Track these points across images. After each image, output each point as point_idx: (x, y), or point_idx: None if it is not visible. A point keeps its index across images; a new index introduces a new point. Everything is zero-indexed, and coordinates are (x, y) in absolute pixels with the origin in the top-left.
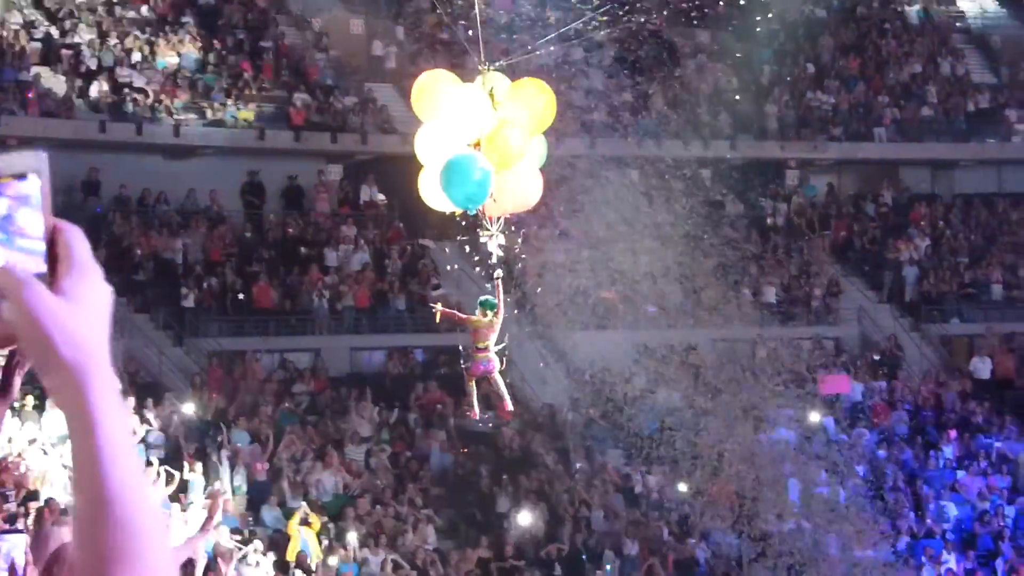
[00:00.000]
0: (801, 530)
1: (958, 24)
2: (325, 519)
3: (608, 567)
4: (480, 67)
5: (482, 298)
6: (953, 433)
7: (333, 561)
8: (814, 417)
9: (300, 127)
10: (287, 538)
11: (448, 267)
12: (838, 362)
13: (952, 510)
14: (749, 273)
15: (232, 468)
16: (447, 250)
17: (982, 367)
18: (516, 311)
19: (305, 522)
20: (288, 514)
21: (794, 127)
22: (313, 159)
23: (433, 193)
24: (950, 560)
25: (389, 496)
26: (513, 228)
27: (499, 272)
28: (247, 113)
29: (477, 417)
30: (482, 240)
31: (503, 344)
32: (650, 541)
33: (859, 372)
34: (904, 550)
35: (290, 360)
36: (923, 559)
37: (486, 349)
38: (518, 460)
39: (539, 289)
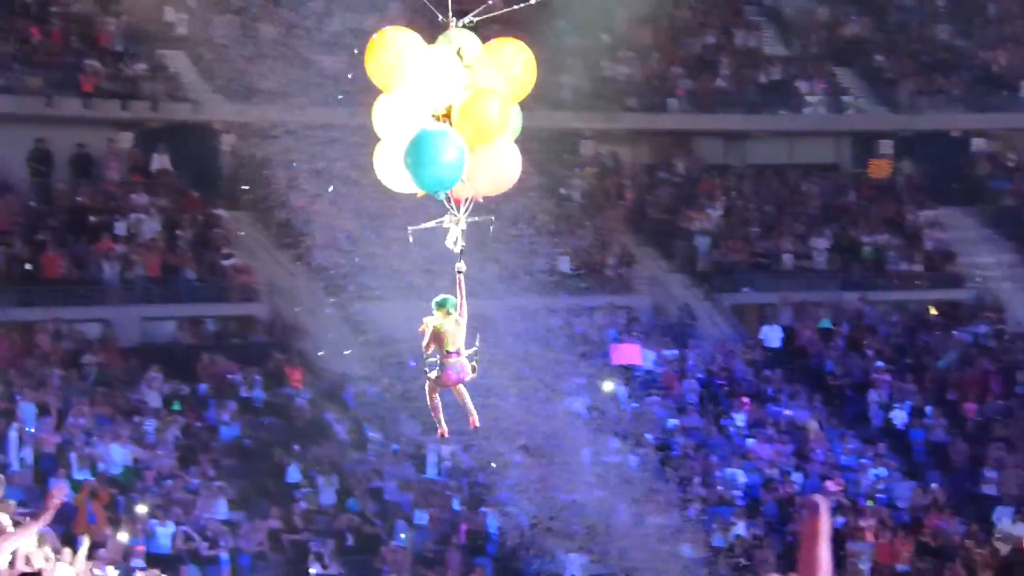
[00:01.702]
0: (593, 498)
1: None
2: (114, 491)
3: (402, 536)
4: (449, 23)
5: (438, 298)
6: (744, 401)
7: (122, 534)
8: (606, 386)
9: (90, 94)
10: (75, 511)
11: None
12: (630, 331)
13: (741, 477)
14: (543, 243)
15: (20, 440)
16: (241, 219)
17: (773, 336)
18: (309, 280)
19: (94, 494)
20: (76, 487)
21: (589, 97)
22: (103, 127)
23: (392, 172)
24: (739, 526)
25: (179, 467)
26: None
27: (461, 265)
28: (35, 79)
29: (447, 435)
30: (446, 226)
31: (475, 348)
32: (442, 511)
33: (651, 341)
34: (694, 516)
35: (79, 331)
36: (713, 525)
37: (457, 352)
38: (310, 431)
39: (332, 258)
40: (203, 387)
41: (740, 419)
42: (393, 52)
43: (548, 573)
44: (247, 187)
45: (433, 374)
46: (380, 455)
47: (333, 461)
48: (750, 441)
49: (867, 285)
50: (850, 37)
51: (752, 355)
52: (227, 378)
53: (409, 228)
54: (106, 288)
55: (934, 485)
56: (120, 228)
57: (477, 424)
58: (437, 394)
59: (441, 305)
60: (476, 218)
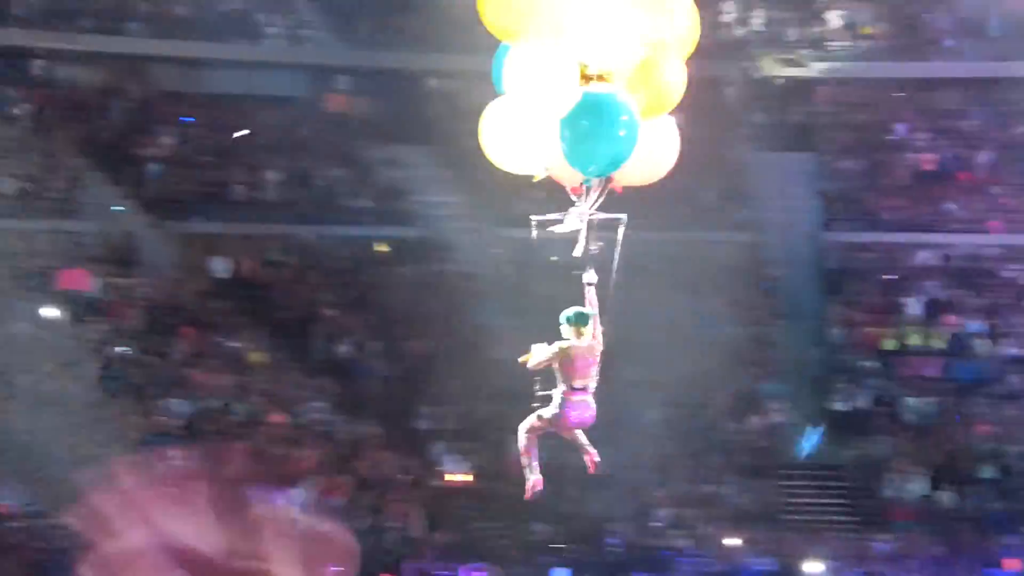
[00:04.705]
0: (31, 426)
1: None
2: None
3: None
4: None
5: (570, 312)
6: (188, 330)
7: None
8: (50, 312)
9: None
10: None
11: None
12: (77, 257)
13: (182, 407)
14: None
15: None
16: None
17: (220, 266)
18: None
19: None
20: None
21: (43, 16)
22: None
23: (513, 144)
24: (177, 456)
25: None
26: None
27: (591, 276)
28: None
29: (540, 488)
30: (570, 218)
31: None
32: None
33: (98, 268)
34: (135, 446)
35: None
36: (152, 456)
37: (585, 389)
38: None
39: None
40: None
41: (183, 348)
42: None
43: None
44: None
45: (547, 413)
46: None
47: None
48: (192, 371)
49: (318, 219)
50: None
51: (198, 285)
52: None
53: (532, 219)
54: None
55: (373, 420)
56: None
57: (598, 460)
58: (537, 438)
59: (576, 321)
60: (604, 214)
